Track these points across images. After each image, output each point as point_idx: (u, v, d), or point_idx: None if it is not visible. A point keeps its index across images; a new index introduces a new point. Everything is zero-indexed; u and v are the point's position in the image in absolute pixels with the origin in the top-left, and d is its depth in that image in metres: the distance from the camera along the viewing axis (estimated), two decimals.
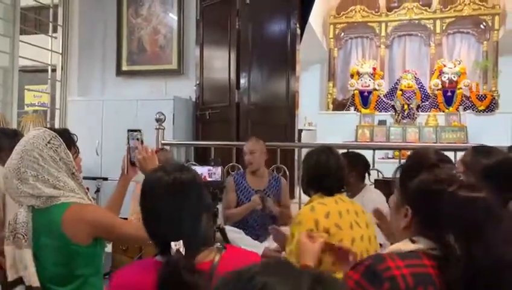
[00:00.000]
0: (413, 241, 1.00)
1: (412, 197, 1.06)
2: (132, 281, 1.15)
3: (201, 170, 2.11)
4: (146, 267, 1.16)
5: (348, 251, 1.39)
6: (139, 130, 1.74)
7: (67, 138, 1.64)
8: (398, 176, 1.26)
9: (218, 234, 2.13)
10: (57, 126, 5.15)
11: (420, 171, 1.09)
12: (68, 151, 1.60)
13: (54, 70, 5.24)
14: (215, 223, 2.01)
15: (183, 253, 1.08)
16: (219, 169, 2.18)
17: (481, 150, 1.61)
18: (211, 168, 2.20)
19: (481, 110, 7.49)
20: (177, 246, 1.08)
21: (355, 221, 1.82)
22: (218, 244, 1.19)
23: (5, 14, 4.29)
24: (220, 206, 2.63)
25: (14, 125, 4.17)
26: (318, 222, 1.73)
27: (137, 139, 1.73)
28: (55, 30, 5.24)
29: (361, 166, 2.92)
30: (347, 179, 2.37)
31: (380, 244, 1.97)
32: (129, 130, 1.75)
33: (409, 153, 5.03)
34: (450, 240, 0.94)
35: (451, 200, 0.97)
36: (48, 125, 5.03)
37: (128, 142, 1.75)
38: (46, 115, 5.29)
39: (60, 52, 5.20)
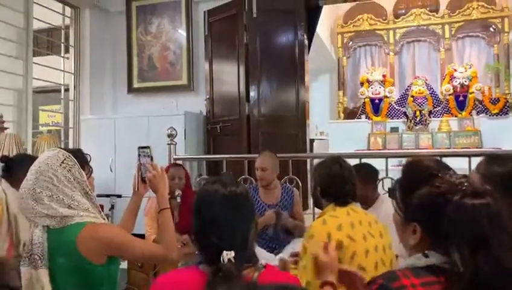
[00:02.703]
0: (426, 256, 0.97)
1: (417, 213, 1.03)
2: (179, 280, 1.20)
3: None
4: (192, 271, 1.20)
5: (355, 274, 1.37)
6: (149, 147, 1.75)
7: (81, 157, 1.66)
8: (396, 192, 1.17)
9: None
10: (70, 145, 5.23)
11: (418, 184, 1.04)
12: (82, 170, 1.62)
13: (66, 90, 5.34)
14: None
15: (234, 264, 1.11)
16: None
17: (495, 158, 1.54)
18: None
19: (494, 114, 7.39)
20: (229, 255, 1.11)
21: (368, 232, 1.80)
22: (262, 262, 1.22)
23: (18, 38, 4.40)
24: None
25: (29, 146, 4.24)
26: (331, 235, 1.72)
27: (147, 155, 1.74)
28: (67, 51, 5.35)
29: (374, 178, 2.89)
30: (363, 193, 2.36)
31: (396, 256, 1.94)
32: (139, 147, 1.76)
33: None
34: (453, 252, 0.91)
35: (454, 210, 0.94)
36: (62, 145, 5.12)
37: (139, 159, 1.76)
38: (60, 135, 5.38)
39: (72, 72, 5.30)
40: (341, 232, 1.74)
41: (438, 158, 1.94)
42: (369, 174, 2.79)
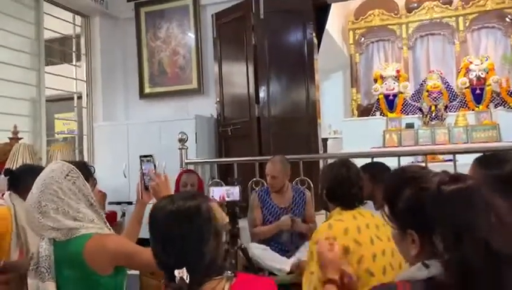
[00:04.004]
0: (426, 266, 0.93)
1: (407, 219, 0.99)
2: None
3: (220, 191, 2.12)
4: None
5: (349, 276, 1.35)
6: (151, 155, 1.76)
7: (85, 170, 1.67)
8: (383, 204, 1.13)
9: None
10: (85, 151, 5.31)
11: (401, 189, 1.02)
12: (86, 182, 1.63)
13: (79, 97, 5.42)
14: (236, 243, 2.00)
15: (187, 281, 1.08)
16: (237, 189, 2.18)
17: (487, 160, 1.44)
18: (229, 188, 2.20)
19: None
20: (180, 274, 1.08)
21: (375, 235, 1.77)
22: (229, 272, 1.17)
23: (30, 48, 4.48)
24: (240, 225, 2.62)
25: (44, 155, 4.31)
26: (336, 240, 1.69)
27: (149, 164, 1.75)
28: (78, 59, 5.43)
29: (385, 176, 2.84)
30: (373, 193, 2.32)
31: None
32: (141, 156, 1.78)
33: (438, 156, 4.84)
34: (438, 244, 0.87)
35: (432, 199, 0.91)
36: (76, 152, 5.20)
37: (141, 168, 1.78)
38: (75, 142, 5.46)
39: (85, 79, 5.37)
40: (347, 236, 1.71)
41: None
42: (380, 174, 2.74)
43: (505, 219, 0.93)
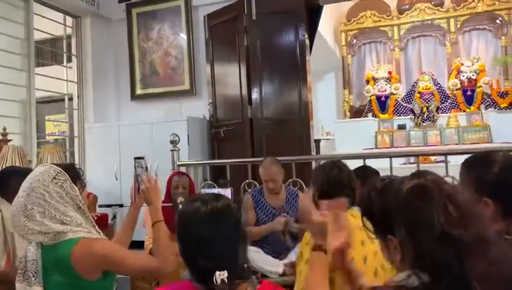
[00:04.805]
0: (418, 276, 0.91)
1: (384, 225, 0.99)
2: None
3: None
4: (185, 286, 1.17)
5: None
6: (142, 158, 1.73)
7: (73, 172, 1.64)
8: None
9: None
10: (76, 153, 5.26)
11: (372, 199, 1.02)
12: (74, 185, 1.61)
13: (70, 99, 5.37)
14: None
15: (227, 284, 1.08)
16: (228, 190, 2.17)
17: (475, 162, 1.41)
18: (221, 190, 2.18)
19: (503, 108, 7.25)
20: (222, 276, 1.07)
21: (367, 237, 1.76)
22: (254, 277, 1.18)
23: (20, 49, 4.43)
24: None
25: (34, 157, 4.26)
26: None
27: (142, 167, 1.73)
28: (69, 60, 5.39)
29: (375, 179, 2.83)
30: None
31: None
32: (135, 158, 1.75)
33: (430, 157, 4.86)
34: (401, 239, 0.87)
35: (394, 198, 0.92)
36: (67, 154, 5.15)
37: (136, 170, 1.75)
38: (66, 144, 5.41)
39: (76, 81, 5.33)
40: None
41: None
42: (369, 178, 2.73)
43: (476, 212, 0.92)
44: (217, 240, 1.13)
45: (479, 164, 1.38)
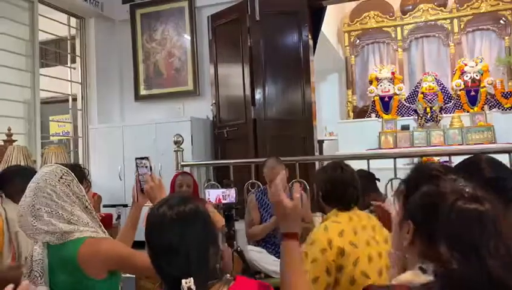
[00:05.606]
0: (423, 271, 0.94)
1: (413, 211, 1.02)
2: None
3: (216, 193, 2.11)
4: None
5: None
6: (147, 158, 1.74)
7: (79, 172, 1.65)
8: (399, 191, 1.20)
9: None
10: (80, 154, 5.28)
11: (420, 184, 1.05)
12: (80, 185, 1.62)
13: (74, 99, 5.39)
14: (232, 246, 1.99)
15: None
16: (233, 191, 2.17)
17: (465, 168, 1.41)
18: (225, 190, 2.19)
19: (507, 108, 7.23)
20: (187, 283, 1.04)
21: (372, 237, 1.77)
22: (228, 276, 1.16)
23: (24, 50, 4.46)
24: (236, 228, 2.61)
25: (38, 157, 4.28)
26: (331, 241, 1.69)
27: (146, 166, 1.73)
28: (73, 61, 5.41)
29: (372, 186, 2.81)
30: (366, 203, 2.32)
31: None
32: (137, 158, 1.75)
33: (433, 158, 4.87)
34: (444, 254, 0.88)
35: (447, 212, 0.92)
36: (71, 154, 5.17)
37: (137, 170, 1.76)
38: (70, 144, 5.43)
39: (80, 82, 5.35)
40: (343, 238, 1.71)
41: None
42: (366, 184, 2.72)
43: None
44: (183, 247, 1.09)
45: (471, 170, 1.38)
